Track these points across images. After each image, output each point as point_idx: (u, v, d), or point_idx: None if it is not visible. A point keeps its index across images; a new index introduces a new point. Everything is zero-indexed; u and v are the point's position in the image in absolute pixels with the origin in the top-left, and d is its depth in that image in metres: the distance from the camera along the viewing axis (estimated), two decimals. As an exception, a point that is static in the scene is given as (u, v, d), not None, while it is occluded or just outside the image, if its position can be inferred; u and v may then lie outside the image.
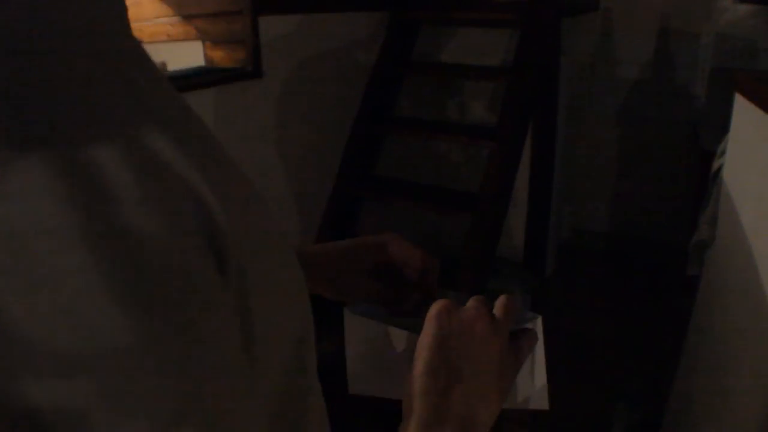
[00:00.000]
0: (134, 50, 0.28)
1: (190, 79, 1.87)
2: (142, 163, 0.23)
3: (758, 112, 1.14)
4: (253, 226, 0.30)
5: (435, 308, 0.46)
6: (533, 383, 0.54)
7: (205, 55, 2.07)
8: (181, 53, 2.15)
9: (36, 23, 0.23)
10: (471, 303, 0.47)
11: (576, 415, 2.11)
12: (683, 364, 1.64)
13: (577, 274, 3.09)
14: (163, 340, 0.21)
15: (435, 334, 0.45)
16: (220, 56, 2.03)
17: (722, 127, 1.45)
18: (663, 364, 1.92)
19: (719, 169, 1.44)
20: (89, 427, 0.19)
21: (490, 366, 0.46)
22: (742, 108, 1.28)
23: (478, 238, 2.09)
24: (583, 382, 2.28)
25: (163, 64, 2.17)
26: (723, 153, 1.44)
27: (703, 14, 2.64)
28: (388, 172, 2.64)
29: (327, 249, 0.59)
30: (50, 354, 0.19)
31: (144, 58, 0.29)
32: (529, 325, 0.53)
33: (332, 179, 2.43)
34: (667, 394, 1.72)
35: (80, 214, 0.20)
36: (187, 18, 2.09)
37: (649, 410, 2.00)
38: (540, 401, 0.54)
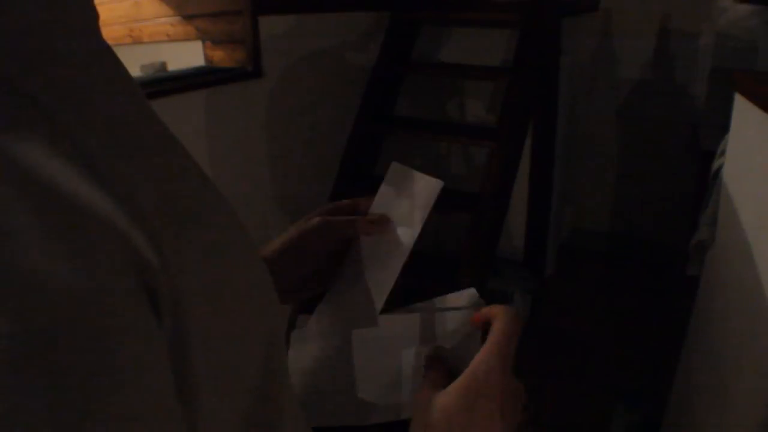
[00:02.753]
0: (84, 55, 0.26)
1: (190, 79, 1.87)
2: (43, 195, 0.20)
3: (758, 112, 1.14)
4: (203, 240, 0.28)
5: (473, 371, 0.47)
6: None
7: (205, 55, 2.07)
8: (181, 53, 2.15)
9: None
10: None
11: (576, 415, 2.11)
12: (683, 364, 1.64)
13: (577, 274, 3.09)
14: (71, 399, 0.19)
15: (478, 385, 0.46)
16: (220, 56, 2.03)
17: (722, 127, 1.45)
18: (663, 364, 1.92)
19: (719, 169, 1.44)
20: None
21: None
22: (741, 108, 1.28)
23: (478, 238, 2.09)
24: (583, 382, 2.28)
25: (164, 64, 2.17)
26: (723, 153, 1.44)
27: (703, 14, 2.64)
28: (388, 172, 2.64)
29: (265, 254, 0.58)
30: None
31: (101, 64, 0.27)
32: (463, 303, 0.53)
33: (332, 179, 2.43)
34: (667, 394, 1.72)
35: None
36: (187, 18, 2.09)
37: (649, 410, 2.00)
38: None
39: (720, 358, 1.35)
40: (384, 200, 0.58)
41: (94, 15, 0.29)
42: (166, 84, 1.77)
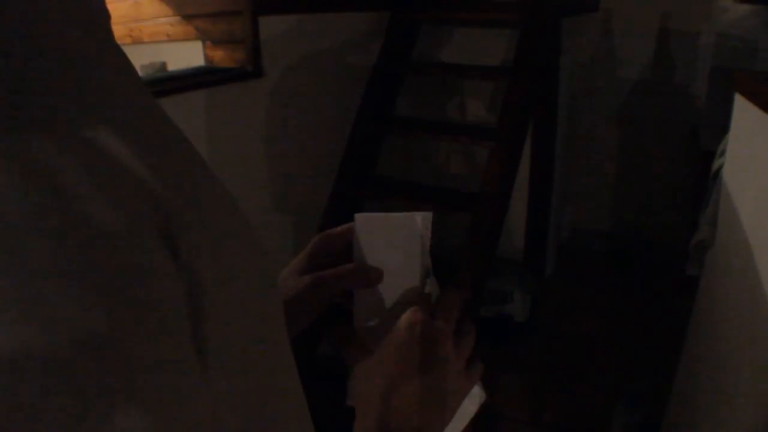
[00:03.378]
0: (104, 52, 0.28)
1: (190, 79, 1.87)
2: (93, 159, 0.23)
3: (758, 112, 1.14)
4: (215, 228, 0.30)
5: (409, 318, 0.48)
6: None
7: (205, 55, 2.07)
8: (181, 53, 2.15)
9: None
10: (440, 323, 0.49)
11: (576, 415, 2.11)
12: (683, 364, 1.64)
13: (577, 274, 3.09)
14: (114, 335, 0.21)
15: (405, 341, 0.47)
16: (220, 56, 2.03)
17: (722, 127, 1.45)
18: (663, 364, 1.92)
19: (719, 169, 1.44)
20: (32, 419, 0.19)
21: (445, 386, 0.48)
22: (742, 108, 1.28)
23: (478, 238, 2.09)
24: (583, 382, 2.28)
25: (164, 64, 2.17)
26: (723, 153, 1.44)
27: (703, 14, 2.64)
28: (388, 172, 2.64)
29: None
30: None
31: (116, 61, 0.29)
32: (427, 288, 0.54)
33: (332, 179, 2.43)
34: (667, 394, 1.72)
35: (32, 206, 0.20)
36: (187, 18, 2.09)
37: (649, 410, 2.00)
38: (476, 397, 0.55)
39: (720, 358, 1.35)
40: (369, 250, 0.57)
41: (106, 15, 0.31)
42: (166, 84, 1.77)
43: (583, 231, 3.27)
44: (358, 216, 0.55)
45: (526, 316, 2.54)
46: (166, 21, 2.14)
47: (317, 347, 2.08)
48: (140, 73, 2.05)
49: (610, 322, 2.65)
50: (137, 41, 2.27)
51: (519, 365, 2.38)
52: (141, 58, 2.17)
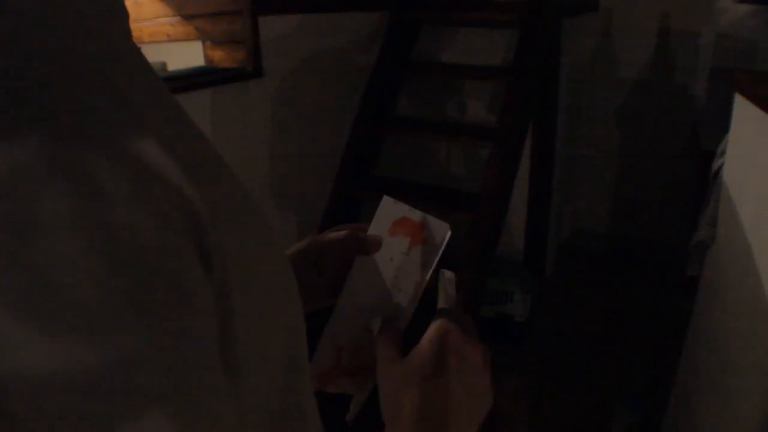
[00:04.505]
0: (129, 53, 0.29)
1: (190, 79, 1.87)
2: (131, 164, 0.23)
3: (758, 112, 1.14)
4: (240, 228, 0.30)
5: (439, 327, 0.47)
6: None
7: (205, 55, 2.07)
8: (181, 53, 2.15)
9: (29, 20, 0.23)
10: (470, 335, 0.48)
11: (576, 415, 2.12)
12: (683, 364, 1.64)
13: (577, 274, 3.09)
14: (147, 344, 0.21)
15: (435, 350, 0.46)
16: (220, 56, 2.03)
17: (722, 127, 1.45)
18: (663, 364, 1.92)
19: (719, 169, 1.44)
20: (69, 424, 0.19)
21: (475, 391, 0.46)
22: (742, 108, 1.28)
23: (478, 238, 2.09)
24: (583, 382, 2.28)
25: (164, 64, 2.17)
26: (723, 153, 1.44)
27: (703, 14, 2.63)
28: (388, 172, 2.64)
29: None
30: (33, 349, 0.19)
31: (138, 61, 0.29)
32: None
33: (332, 179, 2.43)
34: (667, 394, 1.72)
35: (73, 208, 0.21)
36: (187, 18, 2.09)
37: (649, 410, 2.00)
38: None
39: (720, 357, 1.35)
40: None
41: (127, 16, 0.31)
42: (166, 84, 1.77)
43: (583, 231, 3.27)
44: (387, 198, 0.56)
45: (526, 316, 2.54)
46: (166, 21, 2.14)
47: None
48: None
49: (610, 322, 2.65)
50: (137, 41, 2.25)
51: (519, 365, 2.38)
52: (141, 58, 2.16)
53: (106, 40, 0.27)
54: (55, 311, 0.20)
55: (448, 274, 0.55)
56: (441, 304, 0.53)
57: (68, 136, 0.22)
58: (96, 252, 0.21)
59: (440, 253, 0.55)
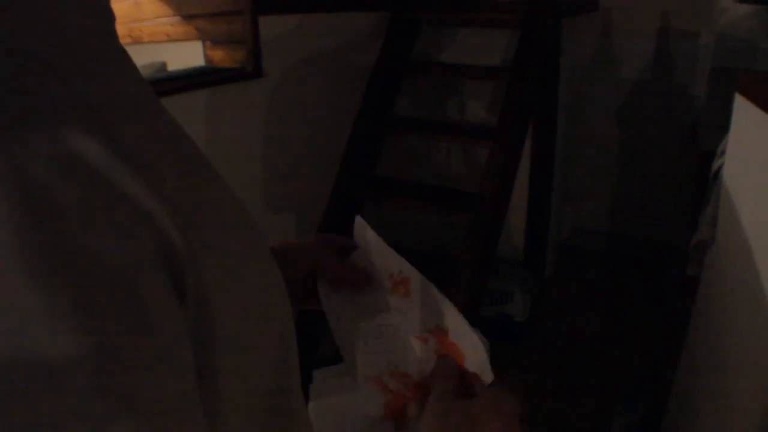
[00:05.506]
0: (107, 54, 0.28)
1: (190, 79, 1.87)
2: (87, 181, 0.22)
3: (758, 112, 1.14)
4: (222, 232, 0.29)
5: (489, 391, 0.48)
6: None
7: (205, 55, 2.07)
8: (181, 53, 2.15)
9: None
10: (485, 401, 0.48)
11: (576, 415, 2.11)
12: (683, 364, 1.64)
13: (577, 274, 3.09)
14: (106, 360, 0.21)
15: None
16: (220, 56, 2.03)
17: (722, 127, 1.45)
18: (663, 364, 1.92)
19: (719, 169, 1.44)
20: None
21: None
22: (742, 108, 1.28)
23: (478, 238, 2.09)
24: (583, 382, 2.28)
25: (164, 64, 2.17)
26: (723, 153, 1.44)
27: (703, 14, 2.64)
28: (388, 172, 2.64)
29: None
30: None
31: (118, 62, 0.29)
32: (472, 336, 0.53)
33: (332, 179, 2.43)
34: (667, 394, 1.72)
35: (25, 234, 0.20)
36: (187, 18, 2.09)
37: (649, 410, 2.00)
38: (483, 345, 0.54)
39: (720, 358, 1.35)
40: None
41: (112, 17, 0.31)
42: (166, 84, 1.77)
43: (583, 231, 3.27)
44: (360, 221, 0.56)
45: (526, 316, 2.54)
46: (166, 21, 2.14)
47: (317, 349, 2.08)
48: (140, 73, 2.06)
49: (610, 322, 2.65)
50: (137, 41, 2.27)
51: (519, 365, 2.38)
52: (141, 58, 2.16)
53: (80, 44, 0.26)
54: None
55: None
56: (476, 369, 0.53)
57: (24, 151, 0.20)
58: (52, 288, 0.20)
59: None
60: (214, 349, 0.27)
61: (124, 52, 0.30)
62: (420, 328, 0.54)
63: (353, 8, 2.43)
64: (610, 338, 2.53)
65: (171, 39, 2.15)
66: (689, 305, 1.61)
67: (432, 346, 0.53)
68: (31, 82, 0.22)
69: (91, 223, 0.21)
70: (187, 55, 2.10)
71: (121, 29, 2.26)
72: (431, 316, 0.54)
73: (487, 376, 0.52)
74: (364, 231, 0.56)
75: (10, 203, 0.20)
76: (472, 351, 0.53)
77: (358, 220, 0.57)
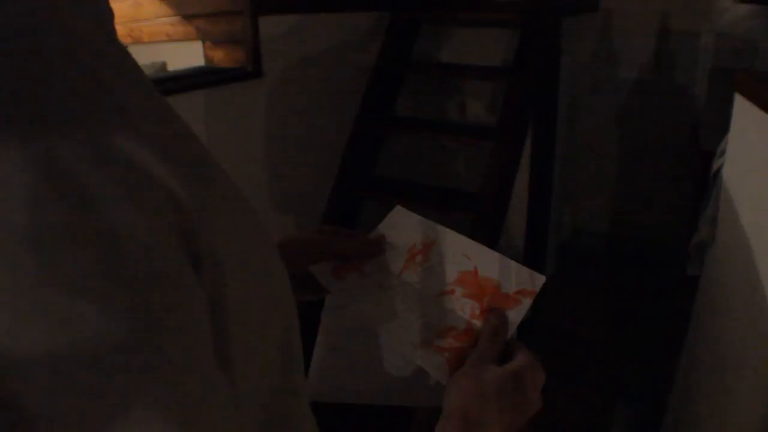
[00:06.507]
0: (115, 53, 0.29)
1: (190, 79, 1.87)
2: (115, 165, 0.23)
3: (758, 112, 1.14)
4: (231, 224, 0.30)
5: (523, 359, 0.52)
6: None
7: (205, 55, 2.07)
8: (181, 53, 2.15)
9: (12, 21, 0.23)
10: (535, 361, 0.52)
11: (576, 415, 2.11)
12: (683, 363, 1.64)
13: (577, 274, 3.09)
14: (138, 342, 0.22)
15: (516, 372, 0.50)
16: (220, 56, 2.03)
17: (722, 127, 1.45)
18: (663, 363, 1.92)
19: (719, 169, 1.44)
20: (66, 422, 0.20)
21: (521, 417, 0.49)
22: (742, 108, 1.28)
23: (478, 238, 2.09)
24: (583, 382, 2.28)
25: (164, 64, 2.17)
26: (723, 153, 1.44)
27: (703, 14, 2.63)
28: (388, 172, 2.64)
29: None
30: (30, 353, 0.20)
31: (126, 61, 0.29)
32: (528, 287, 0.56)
33: (332, 179, 2.43)
34: (667, 394, 1.72)
35: (62, 215, 0.21)
36: (187, 18, 2.09)
37: (649, 410, 2.00)
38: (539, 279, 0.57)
39: (720, 357, 1.35)
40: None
41: (111, 16, 0.31)
42: (166, 84, 1.77)
43: (583, 231, 3.27)
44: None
45: (527, 316, 2.54)
46: (166, 21, 2.14)
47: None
48: (140, 73, 2.06)
49: (610, 322, 2.65)
50: (137, 41, 2.26)
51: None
52: (141, 58, 2.15)
53: (93, 40, 0.27)
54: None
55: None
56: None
57: (55, 138, 0.22)
58: (93, 263, 0.21)
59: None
60: (228, 338, 0.28)
61: (127, 52, 0.31)
62: (442, 284, 0.56)
63: (353, 8, 2.43)
64: (610, 338, 2.53)
65: (171, 39, 2.15)
66: (689, 305, 1.61)
67: (460, 293, 0.55)
68: (65, 79, 0.23)
69: (120, 203, 0.22)
70: (187, 55, 2.10)
71: (121, 29, 2.27)
72: (453, 267, 0.56)
73: (537, 280, 0.57)
74: (400, 215, 0.59)
75: (46, 186, 0.21)
76: (506, 273, 0.56)
77: (399, 208, 0.60)
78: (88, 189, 0.22)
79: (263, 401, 0.33)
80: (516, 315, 0.55)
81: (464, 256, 0.57)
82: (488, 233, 2.12)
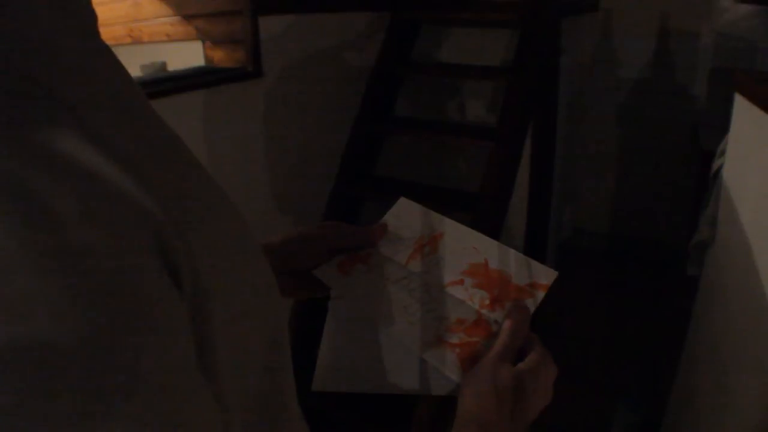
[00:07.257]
0: (87, 53, 0.28)
1: (190, 79, 1.87)
2: (80, 180, 0.22)
3: (758, 112, 1.14)
4: (214, 236, 0.30)
5: (535, 356, 0.51)
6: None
7: (205, 55, 2.07)
8: (181, 53, 2.15)
9: None
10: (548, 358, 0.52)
11: (576, 415, 2.11)
12: (683, 363, 1.64)
13: (577, 274, 3.09)
14: (104, 343, 0.21)
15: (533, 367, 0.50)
16: (220, 56, 2.03)
17: (722, 127, 1.45)
18: (663, 364, 1.92)
19: (719, 169, 1.44)
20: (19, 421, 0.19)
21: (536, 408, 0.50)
22: (742, 108, 1.28)
23: (478, 238, 2.09)
24: (583, 382, 2.27)
25: (164, 64, 2.17)
26: (723, 153, 1.44)
27: (703, 14, 2.63)
28: (388, 172, 2.64)
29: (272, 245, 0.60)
30: None
31: (100, 61, 0.29)
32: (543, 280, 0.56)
33: (332, 179, 2.43)
34: (667, 394, 1.72)
35: (23, 234, 0.20)
36: (187, 18, 2.09)
37: (649, 410, 2.00)
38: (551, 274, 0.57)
39: (720, 357, 1.35)
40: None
41: (93, 17, 0.30)
42: (166, 84, 1.77)
43: (583, 231, 3.27)
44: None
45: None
46: (166, 21, 2.14)
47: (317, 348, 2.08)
48: (140, 73, 2.05)
49: (610, 321, 2.65)
50: (137, 41, 2.26)
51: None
52: (141, 58, 2.16)
53: (56, 40, 0.26)
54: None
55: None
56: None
57: (5, 154, 0.21)
58: (53, 283, 0.20)
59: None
60: (213, 348, 0.27)
61: (109, 51, 0.30)
62: (450, 275, 0.56)
63: (353, 8, 2.43)
64: (610, 338, 2.53)
65: (171, 39, 2.15)
66: (689, 305, 1.61)
67: (469, 283, 0.55)
68: (17, 90, 0.22)
69: (87, 221, 0.21)
70: (187, 55, 2.10)
71: (121, 29, 2.27)
72: (462, 259, 0.56)
73: (549, 275, 0.56)
74: (404, 207, 0.59)
75: (7, 207, 0.20)
76: (518, 265, 0.55)
77: (403, 200, 0.60)
78: (53, 207, 0.21)
79: (250, 405, 0.33)
80: (530, 307, 0.55)
81: (473, 248, 0.57)
82: (488, 233, 2.11)
